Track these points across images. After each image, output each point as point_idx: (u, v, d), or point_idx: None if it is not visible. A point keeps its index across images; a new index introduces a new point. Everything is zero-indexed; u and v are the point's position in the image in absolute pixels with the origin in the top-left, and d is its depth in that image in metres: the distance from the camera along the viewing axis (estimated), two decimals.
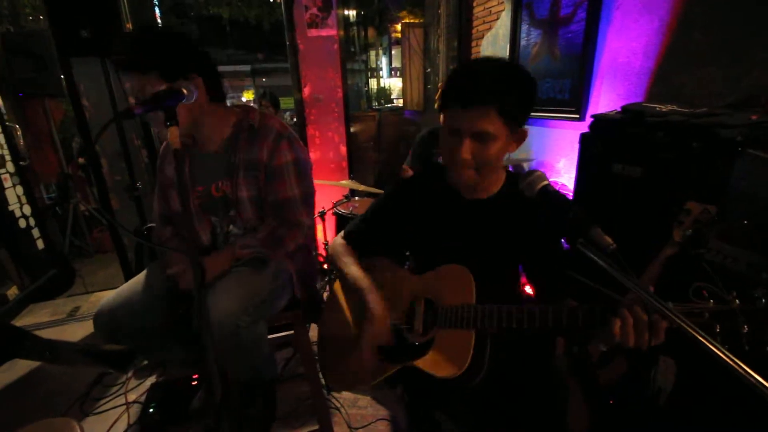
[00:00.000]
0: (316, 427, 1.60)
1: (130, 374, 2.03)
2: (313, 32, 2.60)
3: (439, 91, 1.00)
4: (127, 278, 2.57)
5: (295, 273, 1.38)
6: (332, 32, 2.63)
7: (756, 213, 1.39)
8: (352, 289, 1.12)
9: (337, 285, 1.31)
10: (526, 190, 0.81)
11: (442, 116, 0.97)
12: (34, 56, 3.02)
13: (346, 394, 1.84)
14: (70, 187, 3.51)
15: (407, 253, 1.31)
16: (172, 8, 6.55)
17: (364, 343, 1.02)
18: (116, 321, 1.21)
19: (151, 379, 1.98)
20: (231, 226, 1.36)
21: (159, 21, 7.39)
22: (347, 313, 1.19)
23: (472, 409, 0.99)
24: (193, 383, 1.82)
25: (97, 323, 1.22)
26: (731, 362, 0.53)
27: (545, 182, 0.80)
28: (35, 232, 2.83)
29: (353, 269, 1.13)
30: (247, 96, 14.83)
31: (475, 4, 3.11)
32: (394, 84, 12.34)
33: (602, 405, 1.51)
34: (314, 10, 2.56)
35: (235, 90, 15.03)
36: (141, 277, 1.35)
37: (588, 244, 0.70)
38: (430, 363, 0.95)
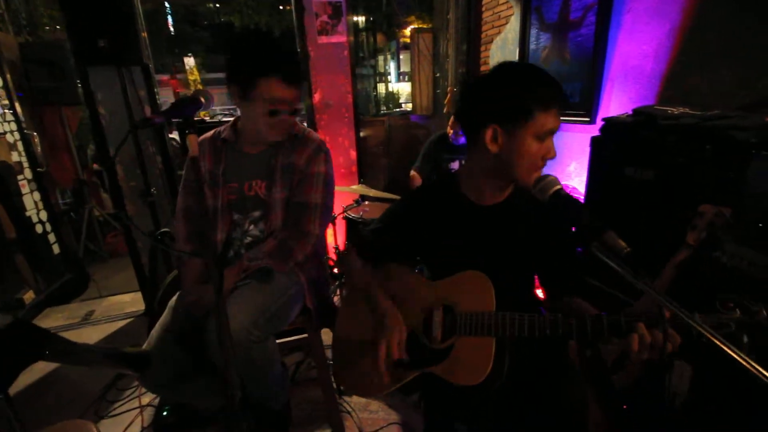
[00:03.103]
0: (329, 431, 1.61)
1: None
2: (323, 39, 2.63)
3: (515, 97, 0.92)
4: (140, 281, 2.62)
5: (306, 283, 1.39)
6: (342, 39, 2.66)
7: None
8: (365, 300, 1.12)
9: (349, 296, 1.31)
10: (539, 194, 0.82)
11: (526, 125, 0.91)
12: (52, 66, 3.09)
13: (357, 399, 1.84)
14: (84, 192, 3.59)
15: (419, 259, 1.31)
16: (186, 17, 6.67)
17: (378, 357, 0.99)
18: (159, 379, 1.24)
19: None
20: (252, 226, 1.39)
21: (171, 29, 7.57)
22: (363, 319, 1.17)
23: (492, 416, 0.98)
24: None
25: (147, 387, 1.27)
26: (754, 369, 0.52)
27: (558, 186, 0.81)
28: (51, 237, 2.89)
29: (368, 283, 1.12)
30: None
31: (483, 8, 3.12)
32: (403, 88, 12.37)
33: (617, 410, 1.49)
34: (325, 18, 2.59)
35: None
36: (164, 321, 1.31)
37: (602, 247, 0.70)
38: (448, 370, 0.95)
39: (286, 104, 1.25)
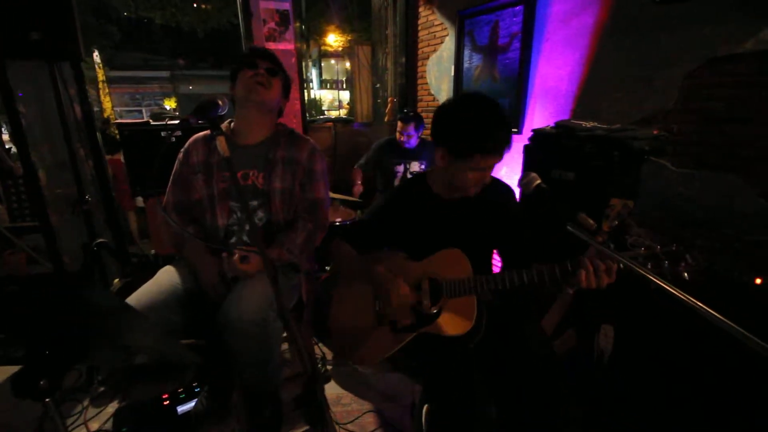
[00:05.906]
0: (307, 427, 1.66)
1: (86, 402, 1.87)
2: (271, 45, 2.64)
3: (457, 137, 1.11)
4: None
5: (303, 274, 1.47)
6: (290, 46, 2.70)
7: (660, 205, 1.80)
8: (358, 274, 1.30)
9: (342, 282, 1.44)
10: (524, 187, 1.03)
11: (465, 160, 1.11)
12: None
13: (328, 394, 1.91)
14: None
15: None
16: (93, 9, 5.94)
17: (395, 297, 1.20)
18: None
19: (113, 405, 1.85)
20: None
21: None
22: (355, 299, 1.34)
23: (474, 365, 1.17)
24: (165, 403, 1.75)
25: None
26: (665, 285, 0.77)
27: (538, 181, 1.03)
28: None
29: (357, 256, 1.32)
30: (169, 104, 13.47)
31: (420, 27, 3.39)
32: (324, 96, 12.45)
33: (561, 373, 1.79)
34: (272, 25, 2.61)
35: (152, 97, 13.60)
36: (159, 279, 1.34)
37: (576, 226, 0.92)
38: (440, 327, 1.15)
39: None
